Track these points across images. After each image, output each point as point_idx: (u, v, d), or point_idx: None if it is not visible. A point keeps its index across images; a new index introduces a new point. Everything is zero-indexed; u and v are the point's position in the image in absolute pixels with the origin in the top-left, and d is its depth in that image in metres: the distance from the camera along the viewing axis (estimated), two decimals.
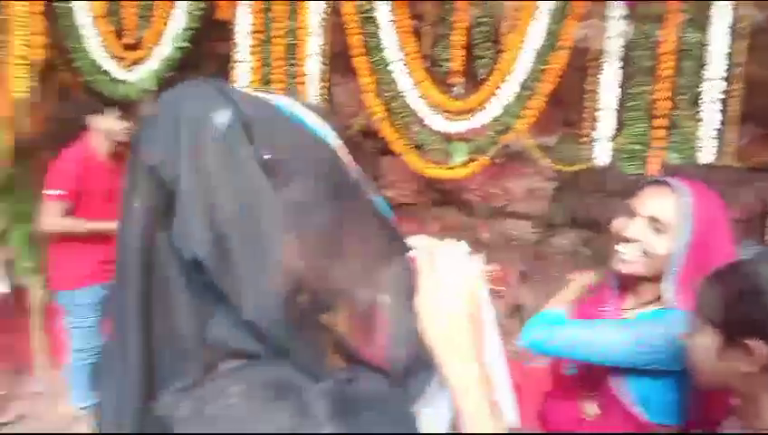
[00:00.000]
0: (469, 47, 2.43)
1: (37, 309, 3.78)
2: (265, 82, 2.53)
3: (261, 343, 0.54)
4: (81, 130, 3.79)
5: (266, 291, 0.54)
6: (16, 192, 3.55)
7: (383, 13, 2.37)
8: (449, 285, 0.65)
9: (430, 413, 0.63)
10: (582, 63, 2.31)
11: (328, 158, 0.61)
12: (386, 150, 3.25)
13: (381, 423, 0.55)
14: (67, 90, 4.03)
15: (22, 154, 3.56)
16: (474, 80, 2.47)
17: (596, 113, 2.29)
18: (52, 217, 2.84)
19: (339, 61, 2.69)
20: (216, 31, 2.74)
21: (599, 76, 2.27)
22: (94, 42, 2.65)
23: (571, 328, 1.40)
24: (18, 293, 3.73)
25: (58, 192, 2.83)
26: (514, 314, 3.99)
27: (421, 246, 0.68)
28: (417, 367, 0.64)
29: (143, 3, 2.64)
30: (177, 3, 2.58)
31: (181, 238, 0.54)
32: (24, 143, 3.56)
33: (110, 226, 2.46)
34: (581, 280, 1.62)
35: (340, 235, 0.60)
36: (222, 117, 0.56)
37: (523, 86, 2.31)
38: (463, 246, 0.71)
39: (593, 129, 2.31)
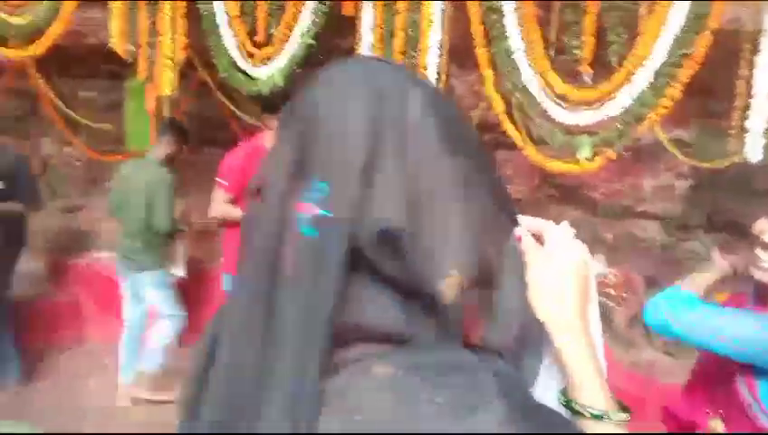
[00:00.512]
0: (599, 33, 2.30)
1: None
2: None
3: (414, 326, 0.53)
4: (218, 125, 4.09)
5: (451, 265, 0.52)
6: None
7: (509, 1, 2.31)
8: (559, 261, 0.64)
9: (540, 391, 0.64)
10: (731, 47, 2.10)
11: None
12: (502, 144, 3.17)
13: (537, 403, 0.54)
14: (206, 87, 4.36)
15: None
16: (601, 68, 2.33)
17: (749, 103, 2.06)
18: (216, 203, 3.05)
19: (456, 53, 2.66)
20: (341, 27, 2.81)
21: (755, 61, 2.04)
22: (230, 41, 2.82)
23: (702, 310, 1.27)
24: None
25: (223, 182, 3.05)
26: (637, 324, 3.73)
27: (525, 222, 0.67)
28: (528, 344, 0.64)
29: (275, 3, 2.78)
30: (305, 2, 2.69)
31: (376, 210, 0.50)
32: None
33: None
34: (721, 266, 1.46)
35: (489, 208, 0.59)
36: (417, 94, 0.56)
37: (659, 73, 2.14)
38: (566, 227, 0.68)
39: (744, 120, 2.09)
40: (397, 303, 0.53)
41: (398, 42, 2.52)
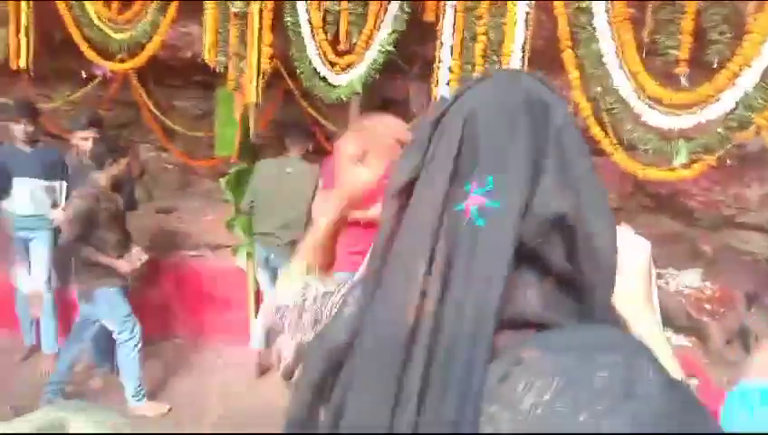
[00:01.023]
0: (696, 33, 2.14)
1: (251, 290, 4.27)
2: (465, 80, 2.52)
3: (561, 313, 0.54)
4: (302, 132, 4.21)
5: (611, 247, 0.56)
6: (242, 186, 4.05)
7: (599, 1, 2.20)
8: (626, 249, 0.68)
9: None
10: None
11: None
12: (591, 150, 3.03)
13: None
14: (290, 95, 4.49)
15: (246, 152, 4.05)
16: (698, 69, 2.17)
17: None
18: (317, 204, 3.15)
19: (540, 57, 2.57)
20: (422, 33, 2.80)
21: None
22: (312, 50, 2.88)
23: None
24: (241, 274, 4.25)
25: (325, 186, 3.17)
26: (735, 340, 3.44)
27: None
28: None
29: (357, 12, 2.81)
30: (389, 7, 2.70)
31: (546, 201, 0.54)
32: (248, 142, 4.05)
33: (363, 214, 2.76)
34: None
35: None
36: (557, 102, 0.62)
37: None
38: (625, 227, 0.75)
39: None
40: (546, 290, 0.55)
41: (480, 46, 2.47)
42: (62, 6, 3.11)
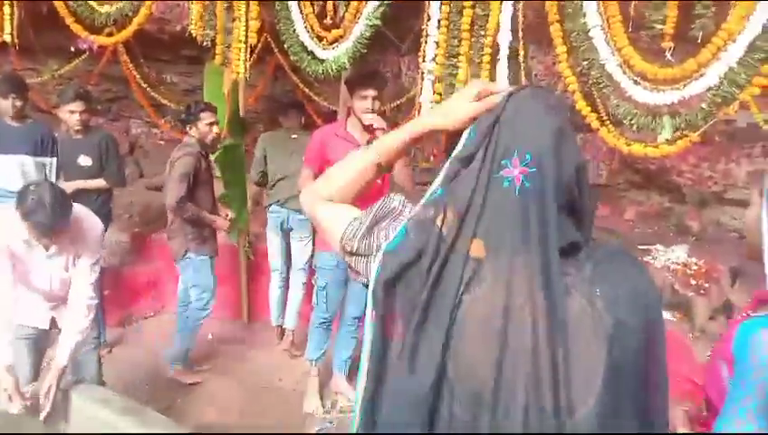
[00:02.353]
0: (682, 8, 2.13)
1: (243, 266, 4.29)
2: (452, 55, 2.50)
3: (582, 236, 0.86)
4: (283, 107, 4.20)
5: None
6: (234, 161, 4.04)
7: None
8: None
9: None
10: None
11: None
12: (581, 126, 3.04)
13: None
14: (281, 70, 4.46)
15: (236, 127, 4.03)
16: (685, 44, 2.16)
17: None
18: (302, 180, 3.18)
19: (532, 32, 2.56)
20: (409, 7, 2.77)
21: None
22: (300, 24, 2.85)
23: None
24: (233, 250, 4.26)
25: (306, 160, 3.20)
26: (718, 315, 3.49)
27: None
28: None
29: None
30: None
31: (572, 160, 0.84)
32: (238, 117, 4.03)
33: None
34: None
35: None
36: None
37: (753, 48, 1.95)
38: None
39: None
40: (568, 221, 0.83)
41: (466, 20, 2.45)
42: None
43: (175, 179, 3.40)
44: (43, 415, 2.24)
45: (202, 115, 3.56)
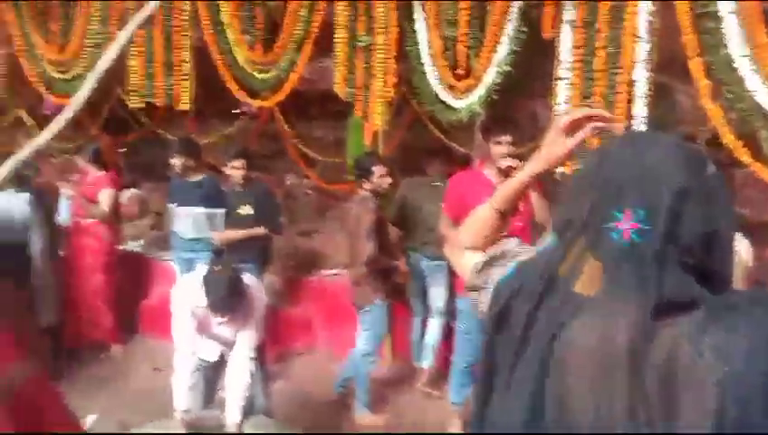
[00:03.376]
0: None
1: None
2: (585, 96, 2.48)
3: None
4: (426, 155, 4.36)
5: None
6: None
7: (725, 4, 2.08)
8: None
9: None
10: None
11: None
12: (738, 162, 2.82)
13: None
14: (418, 119, 4.67)
15: None
16: None
17: None
18: (442, 227, 3.20)
19: (676, 65, 2.46)
20: (540, 49, 2.81)
21: None
22: (433, 76, 3.01)
23: None
24: None
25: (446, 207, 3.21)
26: None
27: None
28: None
29: (475, 36, 2.89)
30: (505, 30, 2.75)
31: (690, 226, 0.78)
32: None
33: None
34: None
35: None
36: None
37: None
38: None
39: None
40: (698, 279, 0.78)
41: (599, 61, 2.43)
42: (215, 52, 3.56)
43: (364, 237, 3.51)
44: None
45: (374, 169, 3.70)
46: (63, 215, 4.53)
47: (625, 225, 0.79)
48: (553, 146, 0.98)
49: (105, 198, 4.48)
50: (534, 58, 2.84)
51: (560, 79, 2.59)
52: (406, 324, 4.30)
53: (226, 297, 2.58)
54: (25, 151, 2.72)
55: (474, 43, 2.92)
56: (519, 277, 0.90)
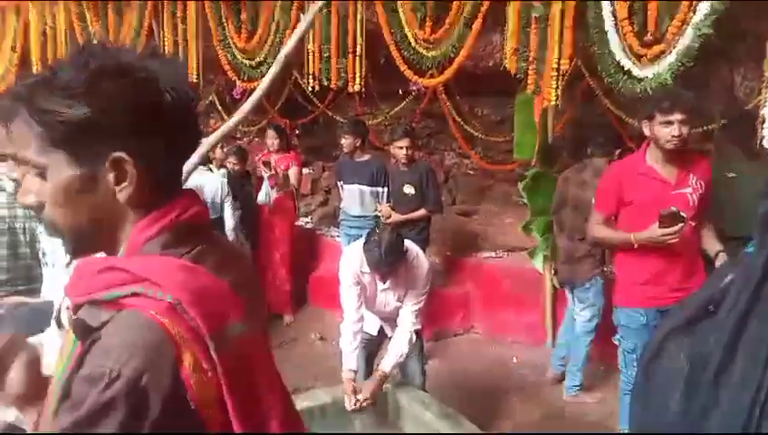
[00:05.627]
0: None
1: (548, 292, 4.26)
2: None
3: None
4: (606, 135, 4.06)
5: None
6: (540, 189, 4.08)
7: None
8: None
9: None
10: None
11: None
12: None
13: None
14: (590, 94, 4.37)
15: (545, 155, 4.08)
16: None
17: None
18: (591, 225, 2.83)
19: None
20: (755, 8, 2.45)
21: None
22: (616, 43, 2.76)
23: None
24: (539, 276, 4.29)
25: (598, 203, 2.82)
26: None
27: None
28: None
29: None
30: None
31: None
32: (547, 145, 4.07)
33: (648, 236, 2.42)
34: None
35: None
36: None
37: None
38: None
39: None
40: None
41: None
42: (386, 33, 3.61)
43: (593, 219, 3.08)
44: (353, 405, 2.64)
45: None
46: (263, 195, 4.95)
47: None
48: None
49: (293, 174, 4.86)
50: (745, 16, 2.48)
51: None
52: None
53: (387, 255, 2.62)
54: (219, 133, 3.01)
55: (666, 5, 2.62)
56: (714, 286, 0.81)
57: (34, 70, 4.84)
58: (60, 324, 1.21)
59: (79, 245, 0.84)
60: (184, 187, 0.88)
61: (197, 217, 0.86)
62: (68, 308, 0.89)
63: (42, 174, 0.79)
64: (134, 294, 0.74)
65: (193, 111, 0.86)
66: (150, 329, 0.72)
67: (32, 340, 1.26)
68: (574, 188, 3.55)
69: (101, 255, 0.85)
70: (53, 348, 0.89)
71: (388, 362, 2.78)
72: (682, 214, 2.38)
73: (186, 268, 0.78)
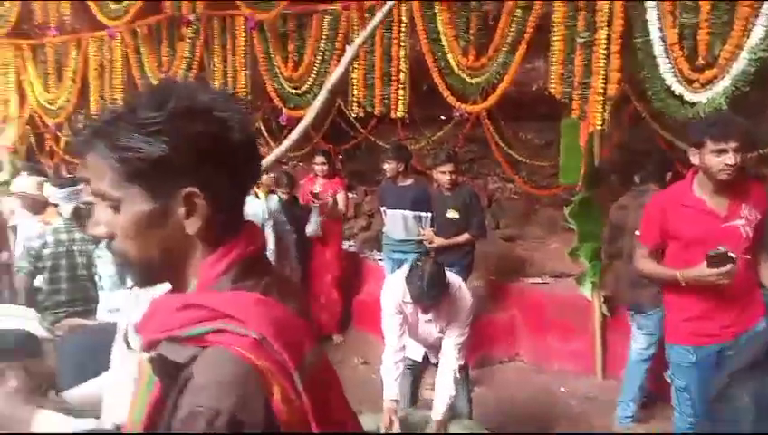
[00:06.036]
0: None
1: (597, 320, 4.15)
2: None
3: None
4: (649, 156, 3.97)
5: None
6: (588, 214, 4.01)
7: None
8: None
9: None
10: None
11: None
12: None
13: None
14: (637, 118, 4.30)
15: (591, 179, 4.01)
16: None
17: None
18: (636, 259, 2.65)
19: None
20: None
21: None
22: (667, 68, 2.72)
23: None
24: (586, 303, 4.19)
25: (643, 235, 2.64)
26: None
27: None
28: None
29: (721, 20, 2.55)
30: (762, 8, 2.39)
31: None
32: (594, 169, 4.00)
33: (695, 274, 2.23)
34: None
35: None
36: None
37: None
38: None
39: None
40: None
41: None
42: (430, 60, 3.65)
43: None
44: None
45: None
46: (313, 225, 4.98)
47: None
48: None
49: (341, 199, 5.00)
50: None
51: None
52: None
53: (430, 288, 2.60)
54: (269, 158, 3.08)
55: (717, 29, 2.58)
56: None
57: (92, 100, 5.09)
58: (128, 344, 1.25)
59: (147, 275, 0.87)
60: None
61: (261, 250, 0.90)
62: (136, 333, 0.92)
63: (115, 206, 0.82)
64: (218, 331, 0.77)
65: (257, 147, 0.89)
66: (240, 365, 0.74)
67: (89, 385, 1.31)
68: (635, 215, 3.42)
69: (167, 285, 0.88)
70: (115, 392, 0.92)
71: (438, 408, 2.74)
72: (731, 254, 2.17)
73: (261, 302, 0.81)
